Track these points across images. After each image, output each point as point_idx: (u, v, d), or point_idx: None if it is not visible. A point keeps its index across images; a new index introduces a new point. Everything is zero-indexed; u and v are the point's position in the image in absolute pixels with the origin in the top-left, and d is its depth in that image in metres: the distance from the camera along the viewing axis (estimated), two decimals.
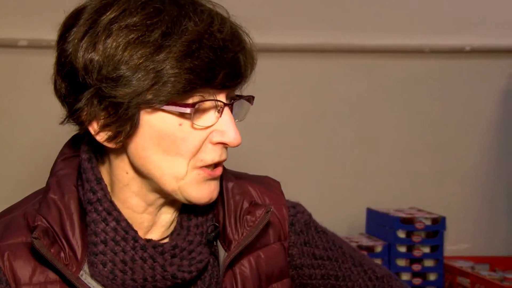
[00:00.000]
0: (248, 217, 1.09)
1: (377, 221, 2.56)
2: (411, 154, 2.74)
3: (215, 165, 1.03)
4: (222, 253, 1.10)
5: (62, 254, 1.00)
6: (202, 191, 1.02)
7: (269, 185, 1.21)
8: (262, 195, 1.18)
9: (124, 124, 0.97)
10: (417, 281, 2.45)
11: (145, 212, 1.06)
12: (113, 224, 1.02)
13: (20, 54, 2.43)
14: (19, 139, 2.44)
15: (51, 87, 1.03)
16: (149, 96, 0.95)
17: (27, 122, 2.43)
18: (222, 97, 1.00)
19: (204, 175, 1.01)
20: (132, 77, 0.95)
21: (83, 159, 1.05)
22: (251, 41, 1.04)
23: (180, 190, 1.01)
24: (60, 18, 1.01)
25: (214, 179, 1.03)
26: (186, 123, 0.99)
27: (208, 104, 0.99)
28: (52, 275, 1.01)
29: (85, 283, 1.00)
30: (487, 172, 2.77)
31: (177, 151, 0.99)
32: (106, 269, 1.00)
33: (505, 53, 2.73)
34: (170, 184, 1.01)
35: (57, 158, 1.09)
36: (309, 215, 1.25)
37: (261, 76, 2.52)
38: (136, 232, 1.03)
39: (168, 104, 0.97)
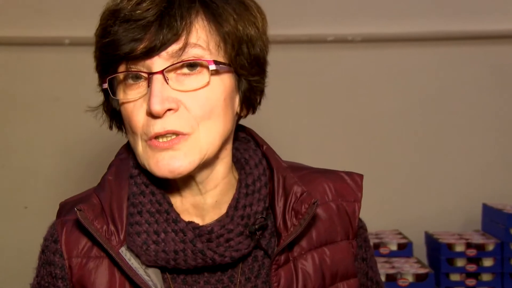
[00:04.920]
0: (296, 210, 1.09)
1: (492, 218, 2.40)
2: None
3: (166, 136, 1.01)
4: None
5: (105, 228, 1.06)
6: (156, 164, 1.02)
7: (346, 179, 1.18)
8: (335, 189, 1.15)
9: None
10: None
11: (173, 194, 1.10)
12: (149, 196, 1.07)
13: (66, 52, 2.45)
14: (65, 133, 2.48)
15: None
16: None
17: (72, 116, 2.41)
18: (146, 68, 1.01)
19: (152, 147, 1.02)
20: None
21: None
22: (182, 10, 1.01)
23: (144, 165, 1.05)
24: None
25: (168, 151, 1.01)
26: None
27: (134, 77, 1.03)
28: (98, 252, 1.08)
29: (124, 258, 1.05)
30: None
31: (129, 128, 1.05)
32: (140, 239, 1.05)
33: None
34: (138, 161, 1.06)
35: (124, 144, 1.17)
36: (367, 233, 1.23)
37: (360, 68, 2.49)
38: (170, 205, 1.07)
39: (103, 83, 1.05)
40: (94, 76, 1.12)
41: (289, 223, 1.08)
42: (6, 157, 2.47)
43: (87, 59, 1.14)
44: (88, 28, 1.10)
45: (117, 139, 1.19)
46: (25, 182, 2.47)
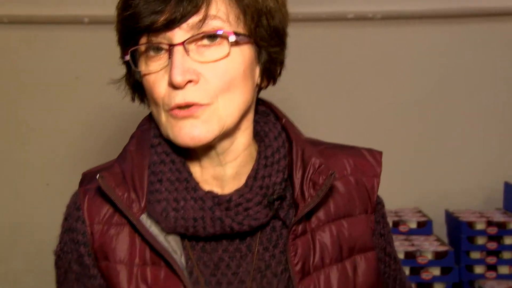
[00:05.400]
0: (314, 181, 1.10)
1: None
2: None
3: (187, 106, 1.03)
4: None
5: (126, 195, 1.08)
6: (179, 133, 1.04)
7: (366, 155, 1.19)
8: (354, 164, 1.17)
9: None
10: None
11: (194, 164, 1.11)
12: (169, 165, 1.09)
13: (85, 31, 2.45)
14: (85, 111, 2.48)
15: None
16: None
17: (92, 95, 2.43)
18: (167, 39, 1.02)
19: (173, 116, 1.04)
20: None
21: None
22: None
23: (167, 135, 1.07)
24: None
25: (189, 120, 1.03)
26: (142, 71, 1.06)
27: (155, 49, 1.04)
28: (119, 219, 1.11)
29: (144, 225, 1.07)
30: None
31: (151, 99, 1.07)
32: (160, 206, 1.07)
33: None
34: (161, 131, 1.08)
35: (145, 116, 1.19)
36: (385, 209, 1.24)
37: (380, 45, 2.46)
38: (190, 174, 1.09)
39: (125, 55, 1.07)
40: (114, 54, 1.12)
41: (306, 194, 1.09)
42: (27, 135, 2.49)
43: (106, 38, 1.14)
44: (107, 7, 1.10)
45: (137, 116, 1.20)
46: (46, 159, 2.49)
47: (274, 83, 1.14)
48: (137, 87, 1.13)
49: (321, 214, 1.13)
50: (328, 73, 2.49)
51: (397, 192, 2.33)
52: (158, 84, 1.04)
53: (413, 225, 2.31)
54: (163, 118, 1.06)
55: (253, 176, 1.10)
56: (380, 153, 1.19)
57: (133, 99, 1.15)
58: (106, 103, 2.37)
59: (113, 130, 2.36)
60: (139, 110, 1.18)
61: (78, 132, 2.47)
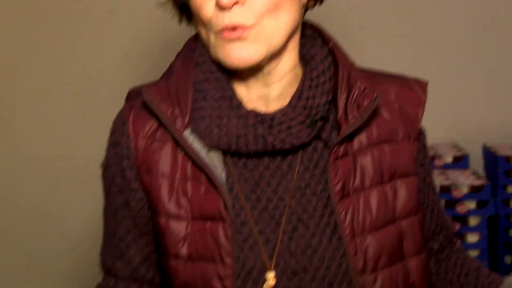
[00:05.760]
0: (358, 103, 1.10)
1: None
2: None
3: (234, 28, 1.04)
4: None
5: (170, 110, 1.10)
6: (228, 54, 1.05)
7: (412, 84, 1.20)
8: (399, 92, 1.17)
9: None
10: None
11: (240, 84, 1.13)
12: (214, 83, 1.11)
13: None
14: (119, 46, 2.44)
15: None
16: None
17: (126, 28, 2.39)
18: None
19: (223, 38, 1.05)
20: None
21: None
22: None
23: (216, 56, 1.08)
24: None
25: (237, 42, 1.04)
26: None
27: None
28: (163, 134, 1.13)
29: (186, 140, 1.09)
30: None
31: (199, 21, 1.08)
32: (203, 123, 1.09)
33: None
34: (210, 52, 1.09)
35: (191, 36, 1.20)
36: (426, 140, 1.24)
37: None
38: (234, 93, 1.10)
39: None
40: None
41: (350, 115, 1.10)
42: (61, 69, 2.50)
43: None
44: None
45: (172, 47, 1.19)
46: (82, 93, 2.50)
47: (321, 3, 1.15)
48: (184, 8, 1.13)
49: (363, 137, 1.13)
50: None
51: (434, 126, 2.30)
52: (205, 5, 1.05)
53: (449, 159, 2.29)
54: (212, 39, 1.07)
55: (297, 96, 1.11)
56: (426, 83, 1.19)
57: (180, 21, 1.17)
58: (142, 36, 2.37)
59: (150, 61, 2.36)
60: (174, 41, 1.18)
61: (112, 65, 2.47)
